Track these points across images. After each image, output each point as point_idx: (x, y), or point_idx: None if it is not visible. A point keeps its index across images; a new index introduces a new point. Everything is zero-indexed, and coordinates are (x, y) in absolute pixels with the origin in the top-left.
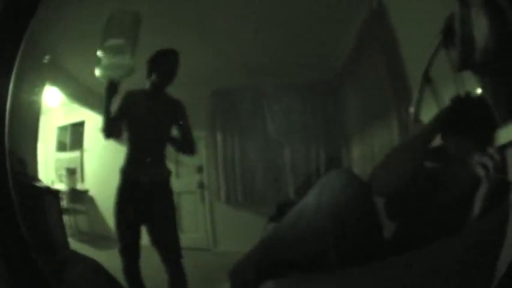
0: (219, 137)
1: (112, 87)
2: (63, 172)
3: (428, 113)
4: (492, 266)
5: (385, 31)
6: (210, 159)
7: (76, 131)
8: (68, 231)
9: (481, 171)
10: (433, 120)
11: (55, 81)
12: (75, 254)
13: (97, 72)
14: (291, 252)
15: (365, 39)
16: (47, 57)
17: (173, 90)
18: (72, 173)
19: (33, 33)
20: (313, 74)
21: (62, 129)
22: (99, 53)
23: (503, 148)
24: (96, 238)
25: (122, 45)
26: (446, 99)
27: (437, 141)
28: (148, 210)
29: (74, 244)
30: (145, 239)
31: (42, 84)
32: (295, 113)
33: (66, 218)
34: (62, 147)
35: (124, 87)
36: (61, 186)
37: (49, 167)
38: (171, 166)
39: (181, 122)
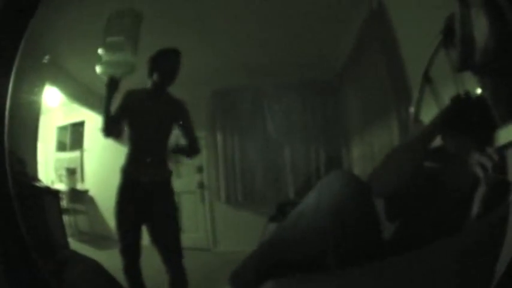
0: (219, 137)
1: (112, 83)
2: (63, 172)
3: (428, 113)
4: (492, 266)
5: (385, 31)
6: (210, 159)
7: (76, 131)
8: (68, 231)
9: (479, 172)
10: (433, 121)
11: (55, 81)
12: (75, 254)
13: (98, 69)
14: (292, 252)
15: (365, 39)
16: (47, 57)
17: (173, 90)
18: (72, 173)
19: (33, 33)
20: (313, 74)
21: (62, 129)
22: (100, 51)
23: (503, 148)
24: (96, 238)
25: (122, 42)
26: (447, 99)
27: (437, 141)
28: (149, 210)
29: (74, 244)
30: (145, 239)
31: (42, 84)
32: (295, 113)
33: (66, 218)
34: (61, 147)
35: (125, 86)
36: (61, 186)
37: (49, 167)
38: (171, 166)
39: (181, 122)
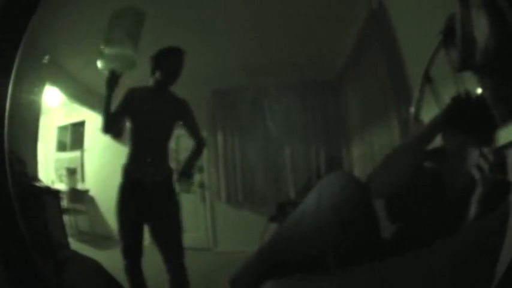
0: (219, 137)
1: (113, 78)
2: (64, 172)
3: (428, 113)
4: (492, 266)
5: (385, 31)
6: (210, 159)
7: (76, 131)
8: (68, 231)
9: (476, 174)
10: (434, 120)
11: (55, 81)
12: (76, 254)
13: (99, 64)
14: (292, 253)
15: (365, 39)
16: (47, 57)
17: (173, 89)
18: (72, 172)
19: (33, 33)
20: (313, 74)
21: (62, 129)
22: (101, 46)
23: (503, 148)
24: (97, 238)
25: (123, 37)
26: (447, 99)
27: (437, 141)
28: (150, 210)
29: (74, 244)
30: (146, 238)
31: (42, 84)
32: (295, 113)
33: (66, 218)
34: (62, 147)
35: (127, 84)
36: (61, 186)
37: (49, 167)
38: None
39: (185, 121)
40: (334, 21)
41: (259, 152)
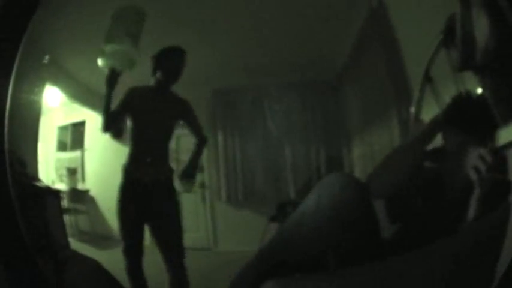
0: (219, 137)
1: (113, 75)
2: (64, 172)
3: (429, 113)
4: (492, 266)
5: (386, 31)
6: (210, 158)
7: (77, 131)
8: (69, 231)
9: (473, 175)
10: (434, 119)
11: (55, 81)
12: (76, 254)
13: (99, 62)
14: (292, 253)
15: (365, 39)
16: (47, 57)
17: (173, 89)
18: (72, 172)
19: (33, 33)
20: (313, 74)
21: (63, 129)
22: (102, 45)
23: (503, 148)
24: (97, 238)
25: (123, 34)
26: (447, 98)
27: (437, 141)
28: (150, 210)
29: (75, 244)
30: (147, 238)
31: (42, 84)
32: (295, 113)
33: (66, 218)
34: (62, 147)
35: (128, 84)
36: (61, 186)
37: (49, 167)
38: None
39: (186, 120)
40: (334, 21)
41: (259, 152)
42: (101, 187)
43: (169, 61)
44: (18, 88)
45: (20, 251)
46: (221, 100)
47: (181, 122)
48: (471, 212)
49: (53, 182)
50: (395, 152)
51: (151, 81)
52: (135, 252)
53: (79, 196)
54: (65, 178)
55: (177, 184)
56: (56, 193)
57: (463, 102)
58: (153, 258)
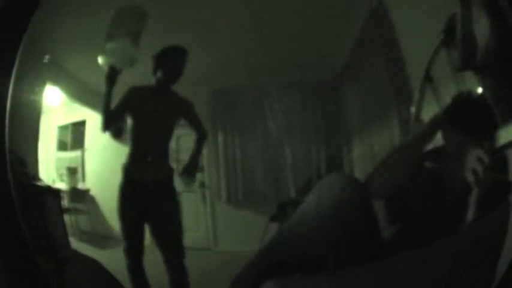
0: (219, 137)
1: (112, 73)
2: (64, 171)
3: (429, 113)
4: (492, 266)
5: (386, 31)
6: (211, 158)
7: (77, 130)
8: (69, 231)
9: (470, 177)
10: (434, 118)
11: (55, 81)
12: (76, 254)
13: (99, 59)
14: (292, 253)
15: (365, 39)
16: (47, 57)
17: (174, 89)
18: (73, 172)
19: (33, 33)
20: (313, 74)
21: (63, 128)
22: (103, 43)
23: (503, 148)
24: (97, 238)
25: (123, 33)
26: (447, 98)
27: (437, 141)
28: (150, 209)
29: (75, 244)
30: (147, 238)
31: (43, 84)
32: (295, 113)
33: (67, 218)
34: (62, 146)
35: (129, 83)
36: (62, 185)
37: (50, 167)
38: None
39: (183, 120)
40: (334, 21)
41: (259, 152)
42: (101, 187)
43: (170, 61)
44: (18, 88)
45: (21, 250)
46: (221, 100)
47: (181, 122)
48: (471, 212)
49: (53, 182)
50: (395, 151)
51: (152, 81)
52: (135, 251)
53: (79, 196)
54: (65, 178)
55: (178, 183)
56: (57, 193)
57: (464, 102)
58: (153, 258)
